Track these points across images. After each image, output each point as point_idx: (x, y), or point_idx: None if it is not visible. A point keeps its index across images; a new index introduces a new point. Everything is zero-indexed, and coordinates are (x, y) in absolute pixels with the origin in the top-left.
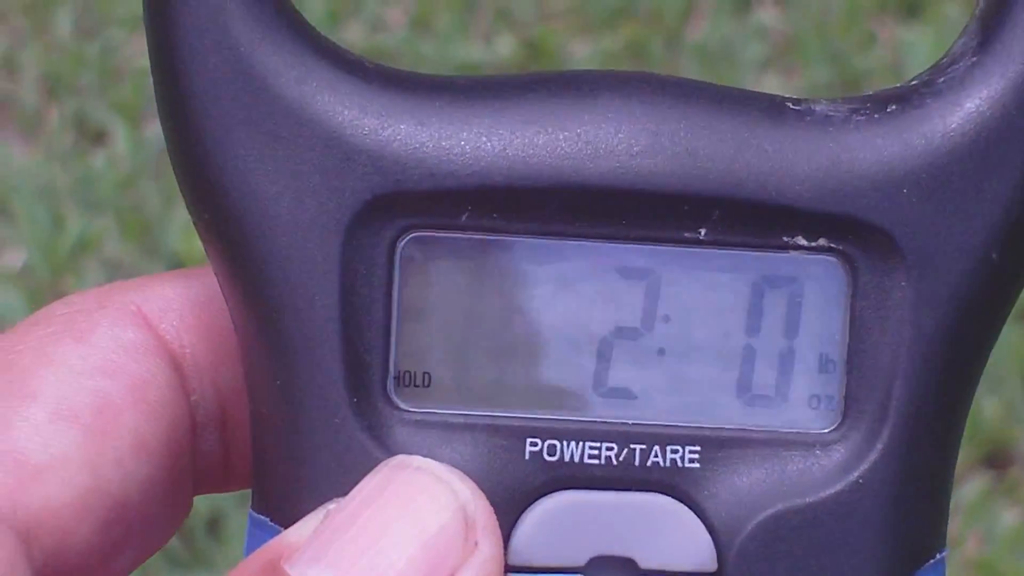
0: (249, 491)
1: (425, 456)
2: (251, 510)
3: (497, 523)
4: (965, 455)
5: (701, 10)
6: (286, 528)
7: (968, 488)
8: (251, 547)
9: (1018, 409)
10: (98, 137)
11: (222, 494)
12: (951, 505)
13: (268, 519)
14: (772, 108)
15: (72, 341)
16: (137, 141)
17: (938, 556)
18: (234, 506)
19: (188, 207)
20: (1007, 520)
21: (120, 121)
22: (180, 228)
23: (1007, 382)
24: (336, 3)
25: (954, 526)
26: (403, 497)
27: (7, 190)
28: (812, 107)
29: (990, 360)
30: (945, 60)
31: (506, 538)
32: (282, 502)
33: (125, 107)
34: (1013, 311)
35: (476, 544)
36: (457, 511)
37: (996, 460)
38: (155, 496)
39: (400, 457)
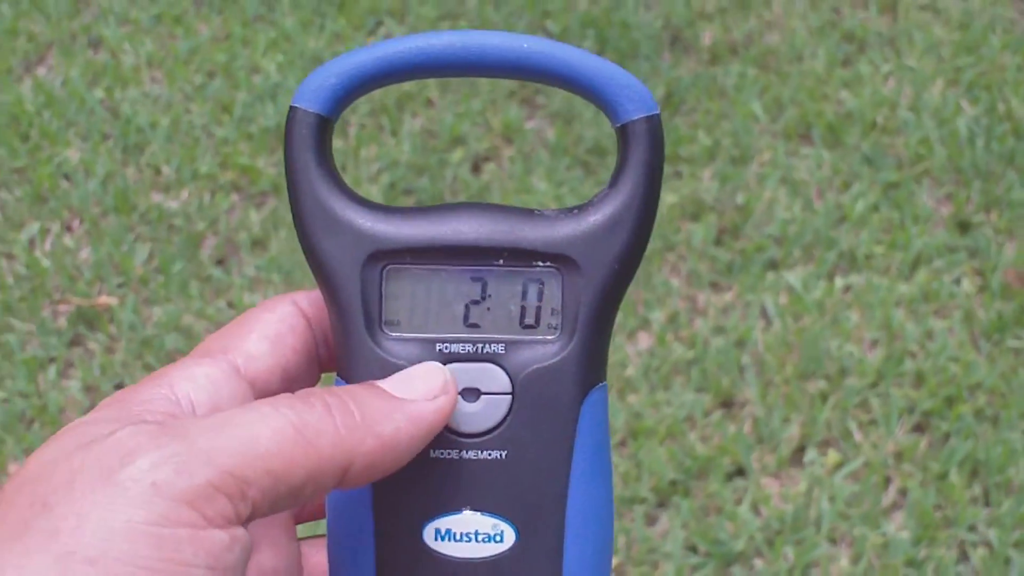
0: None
1: (395, 352)
2: (336, 376)
3: (456, 383)
4: (713, 400)
5: None
6: (348, 382)
7: (714, 417)
8: None
9: (735, 378)
10: None
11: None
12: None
13: (342, 379)
14: (528, 213)
15: (267, 312)
16: None
17: (601, 384)
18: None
19: (305, 257)
20: (730, 430)
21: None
22: None
23: (729, 368)
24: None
25: (658, 437)
26: (427, 370)
27: None
28: (544, 212)
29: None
30: (601, 190)
31: None
32: (344, 371)
33: None
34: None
35: (447, 388)
36: (446, 379)
37: (726, 404)
38: (303, 370)
39: (429, 362)
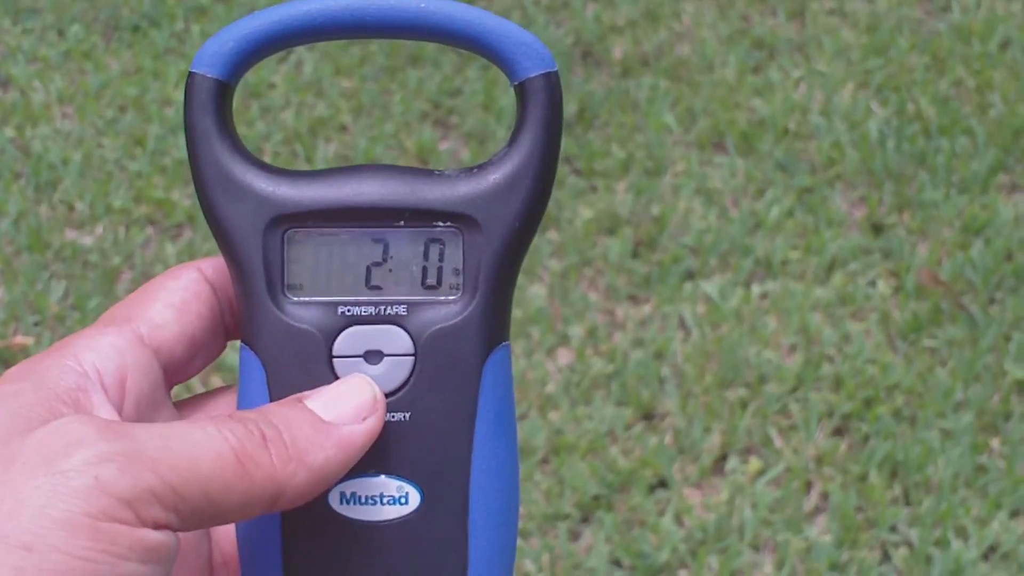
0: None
1: (297, 316)
2: (240, 342)
3: (385, 402)
4: (634, 413)
5: None
6: (252, 347)
7: (635, 430)
8: (243, 359)
9: (655, 390)
10: None
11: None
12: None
13: (246, 345)
14: (428, 173)
15: (172, 280)
16: None
17: (504, 344)
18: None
19: (207, 223)
20: (651, 443)
21: None
22: None
23: (649, 380)
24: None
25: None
26: (357, 387)
27: None
28: (445, 172)
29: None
30: (498, 151)
31: (331, 344)
32: (248, 338)
33: None
34: None
35: (377, 407)
36: (375, 396)
37: (647, 417)
38: (209, 337)
39: (359, 375)
